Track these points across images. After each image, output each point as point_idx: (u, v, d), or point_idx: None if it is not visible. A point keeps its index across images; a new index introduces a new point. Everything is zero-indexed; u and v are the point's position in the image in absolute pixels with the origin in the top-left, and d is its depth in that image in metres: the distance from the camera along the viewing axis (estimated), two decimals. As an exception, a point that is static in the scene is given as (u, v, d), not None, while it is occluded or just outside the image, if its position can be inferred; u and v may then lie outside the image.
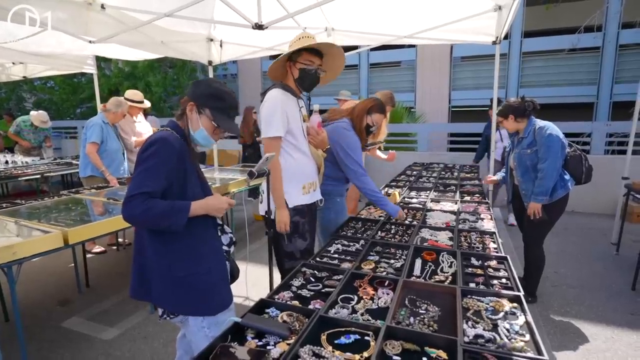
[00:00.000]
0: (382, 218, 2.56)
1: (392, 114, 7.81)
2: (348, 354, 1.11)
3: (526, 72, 9.92)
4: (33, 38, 3.70)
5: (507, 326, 1.26)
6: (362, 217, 2.63)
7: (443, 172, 4.61)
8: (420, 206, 2.89)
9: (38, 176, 5.01)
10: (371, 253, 1.96)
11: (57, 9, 2.85)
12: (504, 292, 1.48)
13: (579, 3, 8.60)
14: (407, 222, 2.48)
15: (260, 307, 1.37)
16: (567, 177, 2.92)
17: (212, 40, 4.37)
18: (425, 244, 2.07)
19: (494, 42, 3.50)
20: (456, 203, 2.97)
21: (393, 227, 2.40)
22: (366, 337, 1.20)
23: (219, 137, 1.53)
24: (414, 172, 4.63)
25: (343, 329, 1.23)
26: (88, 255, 3.82)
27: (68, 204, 3.01)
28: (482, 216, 2.60)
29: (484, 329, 1.24)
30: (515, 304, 1.41)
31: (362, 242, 2.10)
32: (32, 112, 6.33)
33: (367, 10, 3.55)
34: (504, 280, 1.62)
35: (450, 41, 3.71)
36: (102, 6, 2.96)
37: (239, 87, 14.18)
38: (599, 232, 4.71)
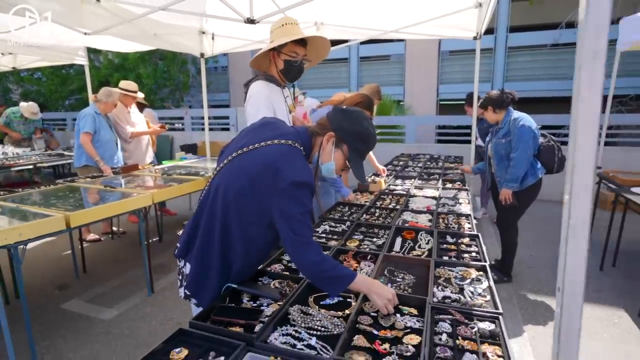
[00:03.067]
0: (367, 203, 2.72)
1: (381, 106, 7.99)
2: (332, 311, 1.28)
3: (512, 66, 10.16)
4: (25, 29, 3.74)
5: (472, 289, 1.44)
6: (350, 202, 2.79)
7: (429, 162, 4.79)
8: (404, 192, 3.06)
9: (31, 167, 5.07)
10: (356, 233, 2.13)
11: (52, 2, 2.92)
12: (473, 262, 1.65)
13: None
14: (390, 206, 2.65)
15: (255, 276, 1.52)
16: (538, 166, 3.12)
17: (204, 32, 4.45)
18: (406, 224, 2.24)
19: (475, 38, 3.67)
20: (438, 190, 3.15)
21: (377, 210, 2.56)
22: (348, 299, 1.37)
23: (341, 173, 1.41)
24: (401, 162, 4.80)
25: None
26: (84, 244, 3.91)
27: (65, 191, 3.10)
28: (460, 201, 2.79)
29: (451, 292, 1.42)
30: (481, 272, 1.59)
31: (347, 223, 2.26)
32: (22, 104, 6.33)
33: (356, 5, 3.68)
34: (474, 254, 1.80)
35: (434, 36, 3.87)
36: (97, -1, 3.03)
37: (229, 79, 14.15)
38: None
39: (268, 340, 1.11)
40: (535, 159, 3.12)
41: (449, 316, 1.24)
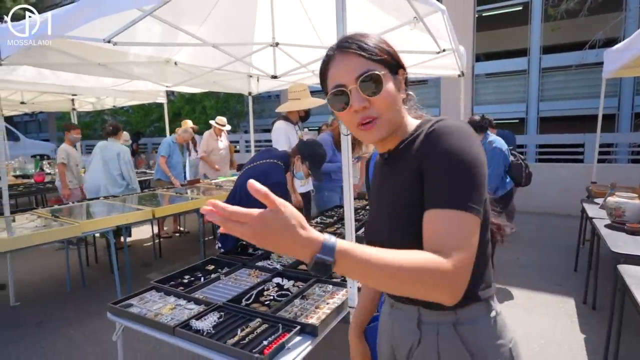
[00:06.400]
0: (360, 205, 3.61)
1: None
2: (295, 257, 2.23)
3: (545, 86, 10.32)
4: (129, 83, 5.29)
5: (387, 251, 2.31)
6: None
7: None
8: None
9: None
10: (337, 224, 3.05)
11: (146, 67, 4.32)
12: (399, 239, 2.51)
13: (596, 17, 8.95)
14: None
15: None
16: (507, 180, 3.78)
17: (251, 77, 5.72)
18: (376, 220, 3.11)
19: (459, 75, 4.45)
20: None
21: (363, 211, 3.45)
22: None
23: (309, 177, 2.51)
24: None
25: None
26: (160, 239, 5.24)
27: (150, 196, 4.42)
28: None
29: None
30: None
31: (335, 217, 3.20)
32: (118, 133, 8.17)
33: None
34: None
35: (426, 75, 4.71)
36: (175, 63, 4.38)
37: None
38: (575, 230, 5.28)
39: (256, 264, 2.10)
40: (505, 174, 3.80)
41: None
